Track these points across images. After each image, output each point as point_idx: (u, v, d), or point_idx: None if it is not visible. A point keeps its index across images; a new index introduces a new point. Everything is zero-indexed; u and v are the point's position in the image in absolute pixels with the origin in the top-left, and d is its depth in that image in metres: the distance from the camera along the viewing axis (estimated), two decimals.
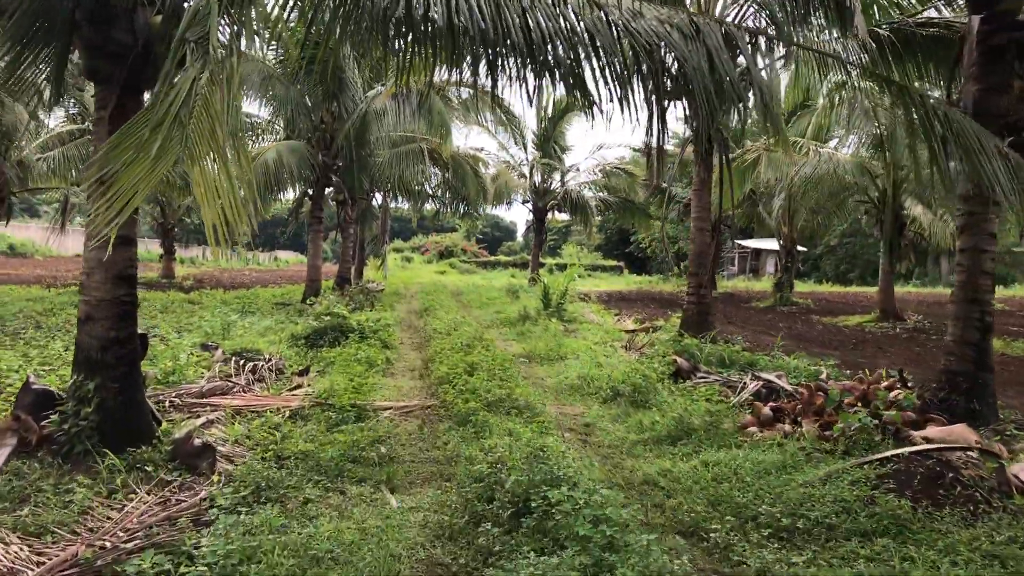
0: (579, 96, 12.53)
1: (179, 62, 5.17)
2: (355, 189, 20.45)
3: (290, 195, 23.29)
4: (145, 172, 4.25)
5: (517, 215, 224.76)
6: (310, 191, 20.10)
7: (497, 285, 31.42)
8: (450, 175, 26.09)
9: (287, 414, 7.80)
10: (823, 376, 9.80)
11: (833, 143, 23.80)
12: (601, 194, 32.76)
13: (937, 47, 9.92)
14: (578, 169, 32.58)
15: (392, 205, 33.96)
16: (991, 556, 4.44)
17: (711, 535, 4.93)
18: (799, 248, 44.02)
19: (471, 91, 19.74)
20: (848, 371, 10.67)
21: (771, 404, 7.85)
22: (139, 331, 6.55)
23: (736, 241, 52.07)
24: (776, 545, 4.76)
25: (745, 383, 9.54)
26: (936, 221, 24.61)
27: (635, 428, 7.82)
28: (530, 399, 8.26)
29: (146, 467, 5.78)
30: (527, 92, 8.81)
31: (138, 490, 5.43)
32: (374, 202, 29.70)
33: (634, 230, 56.50)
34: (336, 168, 19.81)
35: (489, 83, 5.87)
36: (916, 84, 11.17)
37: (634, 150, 33.31)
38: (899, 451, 5.40)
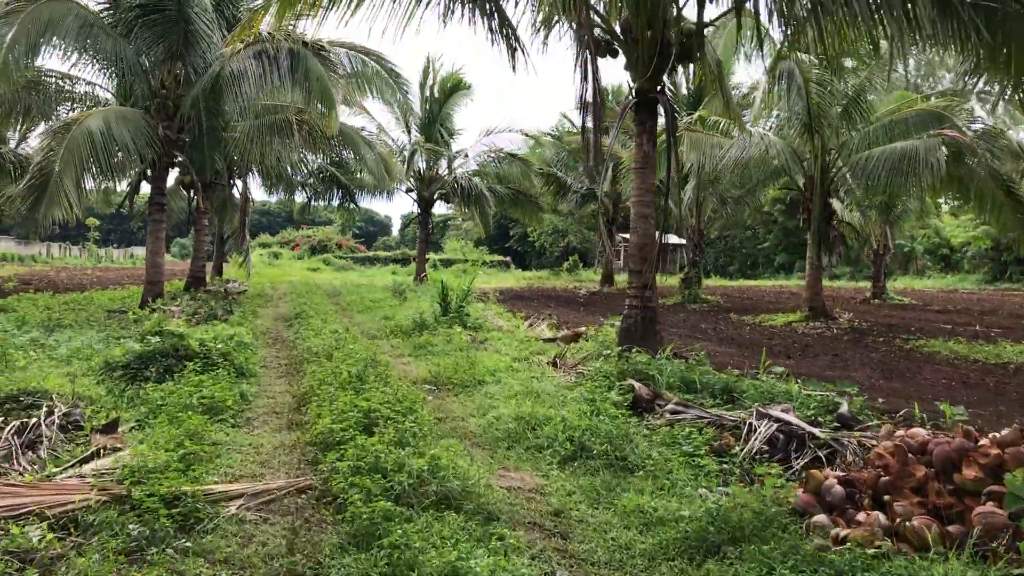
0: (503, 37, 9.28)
1: None
2: (206, 169, 16.78)
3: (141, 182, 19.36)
4: None
5: (392, 209, 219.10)
6: (149, 172, 16.28)
7: (379, 284, 28.14)
8: (326, 159, 22.63)
9: (58, 521, 4.56)
10: (844, 410, 7.29)
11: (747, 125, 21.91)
12: (490, 183, 29.95)
13: None
14: (466, 155, 29.64)
15: (258, 198, 30.20)
16: None
17: None
18: (680, 241, 42.89)
19: (350, 54, 16.41)
20: (862, 396, 8.20)
21: (838, 475, 5.19)
22: None
23: (621, 235, 50.75)
24: None
25: (751, 424, 6.89)
26: (844, 211, 23.12)
27: (635, 518, 5.00)
28: (465, 475, 5.29)
29: None
30: None
31: None
32: (235, 191, 25.79)
33: (513, 223, 54.15)
34: (182, 144, 16.10)
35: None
36: None
37: (526, 135, 30.73)
38: None
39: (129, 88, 16.18)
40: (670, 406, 8.08)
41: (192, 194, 20.23)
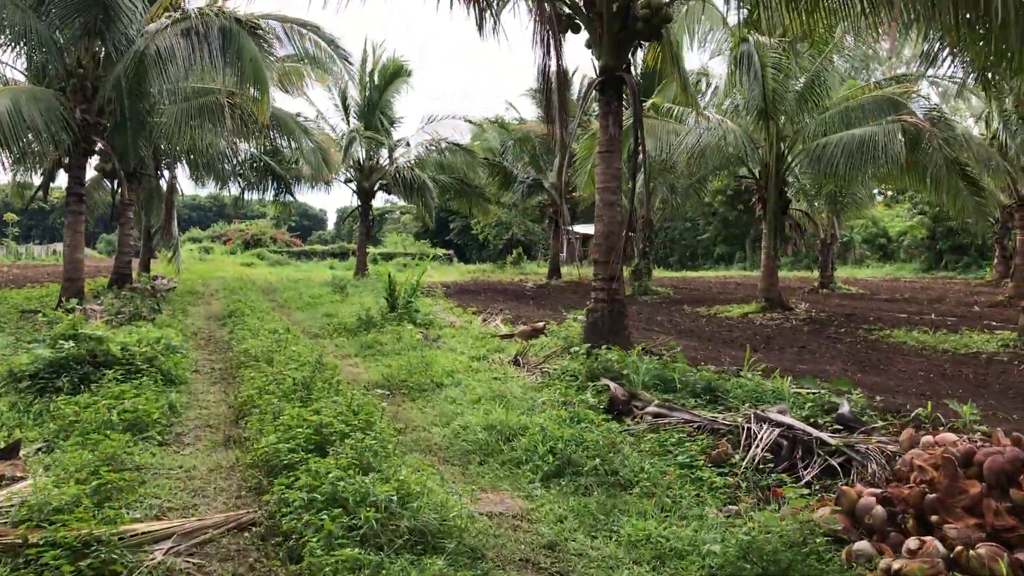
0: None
1: None
2: (129, 157, 15.47)
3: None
4: None
5: (327, 202, 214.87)
6: (65, 159, 14.91)
7: (318, 279, 26.94)
8: (260, 147, 21.39)
9: None
10: (844, 410, 6.66)
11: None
12: (432, 173, 28.86)
13: None
14: (408, 144, 28.56)
15: (188, 191, 28.62)
16: None
17: None
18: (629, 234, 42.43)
19: (286, 27, 15.24)
20: (862, 393, 7.53)
21: (874, 491, 4.52)
22: None
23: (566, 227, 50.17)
24: None
25: (750, 429, 6.21)
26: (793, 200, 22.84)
27: (645, 550, 4.25)
28: (442, 504, 4.45)
29: None
30: None
31: None
32: (162, 182, 24.28)
33: (453, 216, 53.15)
34: (102, 129, 14.77)
35: None
36: None
37: (470, 122, 29.75)
38: None
39: (42, 67, 14.82)
40: (651, 408, 7.38)
41: (115, 185, 18.86)
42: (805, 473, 5.63)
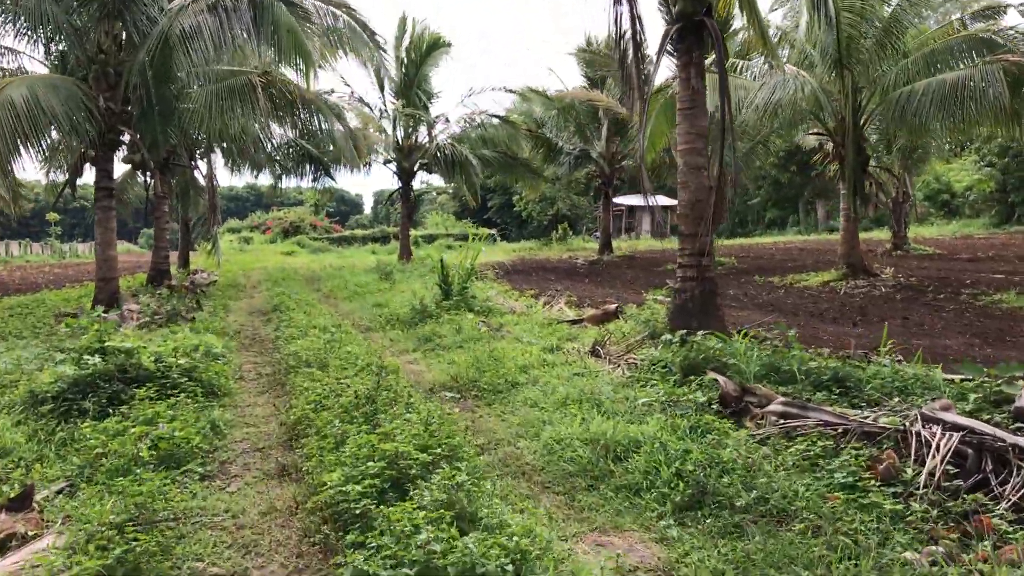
0: None
1: None
2: (159, 146, 14.51)
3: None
4: None
5: (363, 187, 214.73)
6: (91, 152, 13.99)
7: (361, 265, 26.01)
8: (295, 130, 20.36)
9: None
10: (1022, 403, 5.41)
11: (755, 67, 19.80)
12: (473, 149, 27.58)
13: None
14: (447, 120, 27.38)
15: (223, 182, 27.74)
16: None
17: None
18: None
19: (318, 6, 14.10)
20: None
21: None
22: None
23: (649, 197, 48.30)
24: None
25: (918, 433, 5.00)
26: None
27: None
28: (570, 570, 3.35)
29: None
30: None
31: None
32: (197, 173, 23.41)
33: (492, 194, 51.95)
34: (128, 118, 13.82)
35: None
36: None
37: (511, 92, 28.38)
38: None
39: (62, 55, 13.92)
40: (775, 407, 6.17)
41: (147, 177, 18.00)
42: (1004, 492, 4.44)
